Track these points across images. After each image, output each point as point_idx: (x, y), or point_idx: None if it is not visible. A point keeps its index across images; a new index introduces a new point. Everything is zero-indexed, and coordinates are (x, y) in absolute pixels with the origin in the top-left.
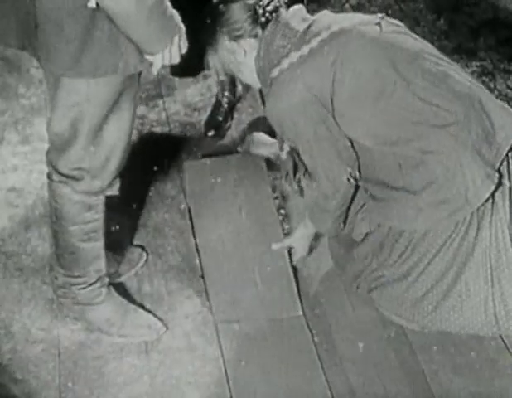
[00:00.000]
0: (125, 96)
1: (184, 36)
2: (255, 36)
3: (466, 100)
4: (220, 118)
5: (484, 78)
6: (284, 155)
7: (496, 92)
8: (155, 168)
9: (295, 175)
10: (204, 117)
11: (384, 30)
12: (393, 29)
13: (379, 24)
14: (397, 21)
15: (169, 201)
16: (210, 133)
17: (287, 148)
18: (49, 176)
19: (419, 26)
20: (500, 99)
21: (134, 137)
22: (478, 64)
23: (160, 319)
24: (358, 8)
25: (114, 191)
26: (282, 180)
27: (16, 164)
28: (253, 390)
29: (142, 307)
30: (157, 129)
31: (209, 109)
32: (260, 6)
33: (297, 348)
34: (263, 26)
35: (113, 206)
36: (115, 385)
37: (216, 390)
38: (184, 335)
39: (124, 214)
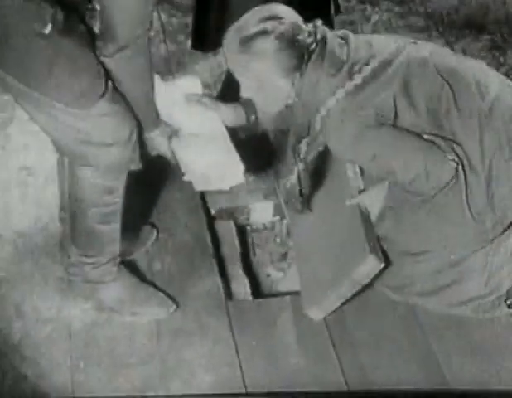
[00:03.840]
0: None
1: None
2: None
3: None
4: None
5: (494, 52)
6: (294, 179)
7: (507, 66)
8: None
9: (301, 196)
10: (214, 93)
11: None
12: (430, 49)
13: (415, 43)
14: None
15: (179, 179)
16: None
17: (296, 173)
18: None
19: (429, 1)
20: (511, 74)
21: None
22: (488, 38)
23: (171, 297)
24: None
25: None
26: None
27: (26, 143)
28: (264, 371)
29: (153, 285)
30: None
31: (219, 86)
32: (307, 44)
33: (309, 330)
34: (310, 53)
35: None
36: (126, 365)
37: (228, 371)
38: (195, 314)
39: (135, 192)
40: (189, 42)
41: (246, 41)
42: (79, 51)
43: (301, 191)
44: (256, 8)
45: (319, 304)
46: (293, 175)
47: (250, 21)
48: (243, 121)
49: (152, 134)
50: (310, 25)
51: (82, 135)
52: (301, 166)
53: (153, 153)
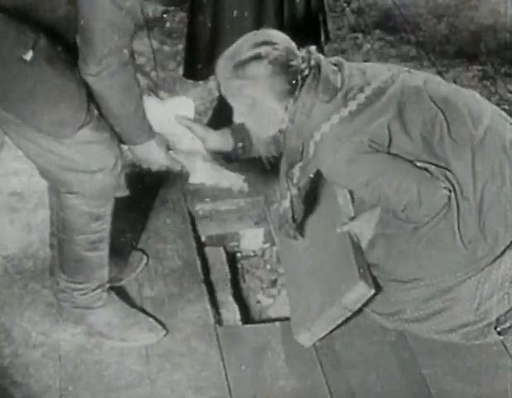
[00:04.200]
0: None
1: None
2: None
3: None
4: None
5: (485, 82)
6: (287, 204)
7: (497, 96)
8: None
9: (294, 222)
10: (205, 120)
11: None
12: (424, 77)
13: (408, 71)
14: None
15: (170, 205)
16: None
17: (289, 198)
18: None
19: (420, 30)
20: (501, 104)
21: None
22: (479, 68)
23: (160, 323)
24: (358, 13)
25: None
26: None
27: (17, 168)
28: (253, 394)
29: (143, 311)
30: None
31: (209, 113)
32: (300, 69)
33: (298, 354)
34: (303, 79)
35: (114, 210)
36: (116, 389)
37: (216, 394)
38: (184, 339)
39: (125, 218)
40: (180, 70)
41: (240, 66)
42: (61, 80)
43: (293, 216)
44: (250, 33)
45: (309, 331)
46: (286, 200)
47: (244, 46)
48: (230, 148)
49: (149, 145)
50: (303, 51)
51: (66, 162)
52: (293, 191)
53: (154, 168)
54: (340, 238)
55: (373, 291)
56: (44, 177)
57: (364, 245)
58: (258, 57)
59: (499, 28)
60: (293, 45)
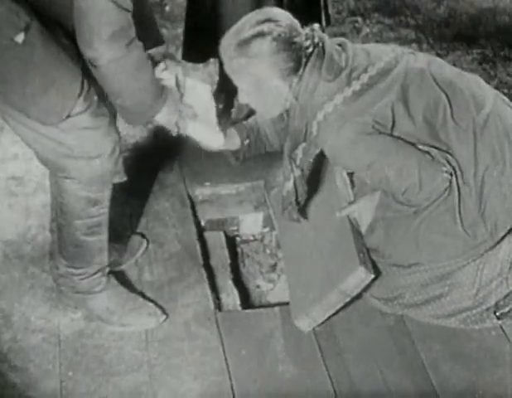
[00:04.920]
0: None
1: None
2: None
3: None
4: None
5: (484, 65)
6: (290, 186)
7: (497, 80)
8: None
9: (298, 204)
10: None
11: (424, 60)
12: (428, 59)
13: (413, 53)
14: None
15: (170, 189)
16: None
17: (292, 180)
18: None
19: (419, 13)
20: (501, 87)
21: None
22: (478, 51)
23: (160, 308)
24: None
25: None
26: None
27: (16, 153)
28: (253, 379)
29: (143, 295)
30: None
31: None
32: (304, 46)
33: (298, 339)
34: (307, 57)
35: (113, 195)
36: (115, 373)
37: (216, 379)
38: (184, 324)
39: (125, 202)
40: (179, 53)
41: (243, 44)
42: (54, 66)
43: (297, 198)
44: (252, 12)
45: (308, 315)
46: (289, 182)
47: (247, 24)
48: (237, 146)
49: (166, 107)
50: (307, 29)
51: (63, 148)
52: (297, 172)
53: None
54: (340, 223)
55: (372, 276)
56: (41, 163)
57: (363, 229)
58: (261, 34)
59: (499, 11)
60: (296, 22)
